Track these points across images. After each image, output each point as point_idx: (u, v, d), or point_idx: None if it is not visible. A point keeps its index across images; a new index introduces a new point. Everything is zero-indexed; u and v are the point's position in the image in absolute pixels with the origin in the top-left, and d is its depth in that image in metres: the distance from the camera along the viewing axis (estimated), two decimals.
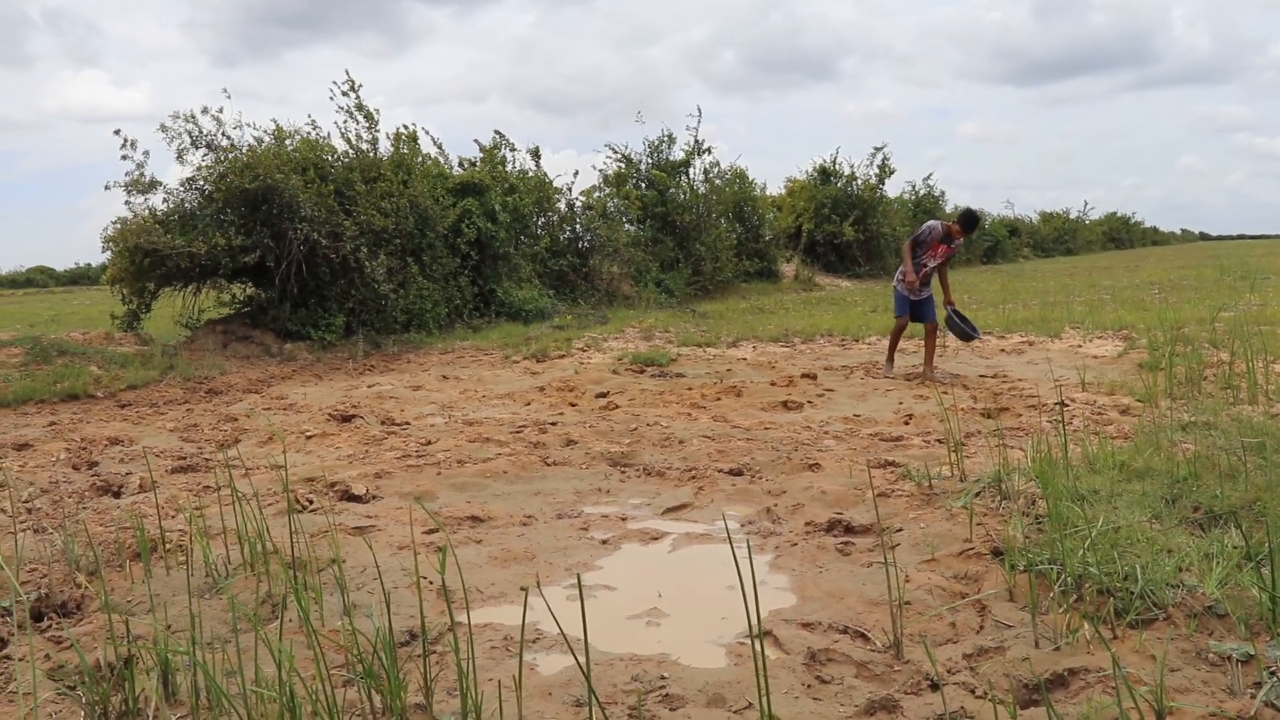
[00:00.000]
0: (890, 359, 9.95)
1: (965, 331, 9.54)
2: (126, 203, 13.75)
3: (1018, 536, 3.93)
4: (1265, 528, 3.51)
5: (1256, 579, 3.26)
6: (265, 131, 14.92)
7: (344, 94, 16.02)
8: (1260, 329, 10.48)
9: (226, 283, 14.73)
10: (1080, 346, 11.47)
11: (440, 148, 18.91)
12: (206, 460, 6.69)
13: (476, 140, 20.07)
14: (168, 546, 4.35)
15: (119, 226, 13.39)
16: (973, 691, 2.87)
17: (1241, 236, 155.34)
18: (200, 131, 13.97)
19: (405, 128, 17.10)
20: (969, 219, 9.29)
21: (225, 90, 14.84)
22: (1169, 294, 18.53)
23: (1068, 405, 7.49)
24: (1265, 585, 3.13)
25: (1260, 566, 3.34)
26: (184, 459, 6.71)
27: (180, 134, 13.88)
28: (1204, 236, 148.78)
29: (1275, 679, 2.69)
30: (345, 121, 16.04)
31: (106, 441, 7.41)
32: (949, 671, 3.01)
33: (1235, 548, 3.60)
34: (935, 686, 2.90)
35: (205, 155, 13.98)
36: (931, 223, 9.45)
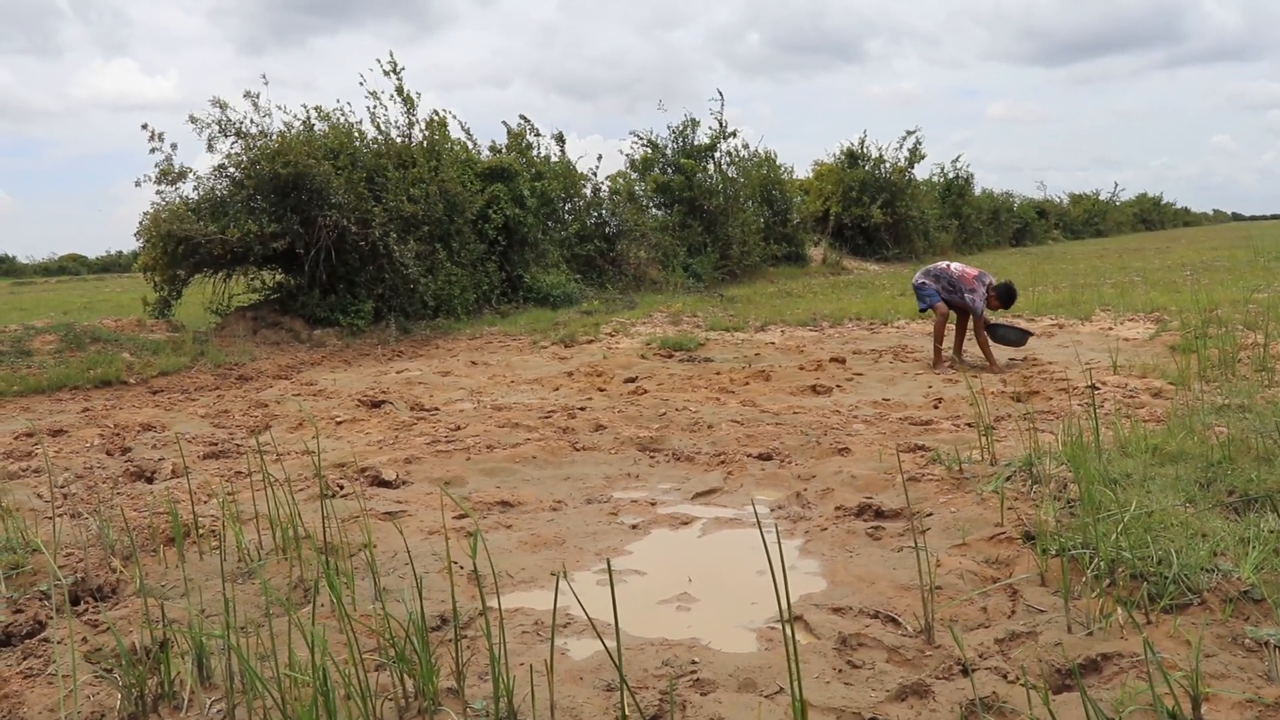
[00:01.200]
0: (940, 352, 9.33)
1: (1014, 338, 9.16)
2: (158, 192, 13.89)
3: (1049, 521, 3.90)
4: None
5: None
6: (295, 117, 15.02)
7: (386, 74, 16.15)
8: None
9: (256, 269, 14.83)
10: (1111, 329, 11.37)
11: (469, 133, 18.97)
12: (238, 446, 6.75)
13: (505, 122, 20.11)
14: (201, 531, 4.39)
15: (152, 215, 13.53)
16: (1005, 676, 2.86)
17: (1276, 217, 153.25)
18: (229, 120, 14.05)
19: (437, 113, 17.14)
20: (1008, 295, 9.13)
21: (264, 76, 14.96)
22: (1201, 275, 18.31)
23: (1099, 388, 7.43)
24: None
25: None
26: (215, 445, 6.76)
27: (210, 123, 13.98)
28: (1237, 217, 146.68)
29: None
30: (376, 107, 16.12)
31: (139, 427, 7.48)
32: (980, 656, 3.00)
33: (1272, 532, 3.56)
34: (966, 671, 2.89)
35: (235, 143, 14.08)
36: (977, 301, 9.07)
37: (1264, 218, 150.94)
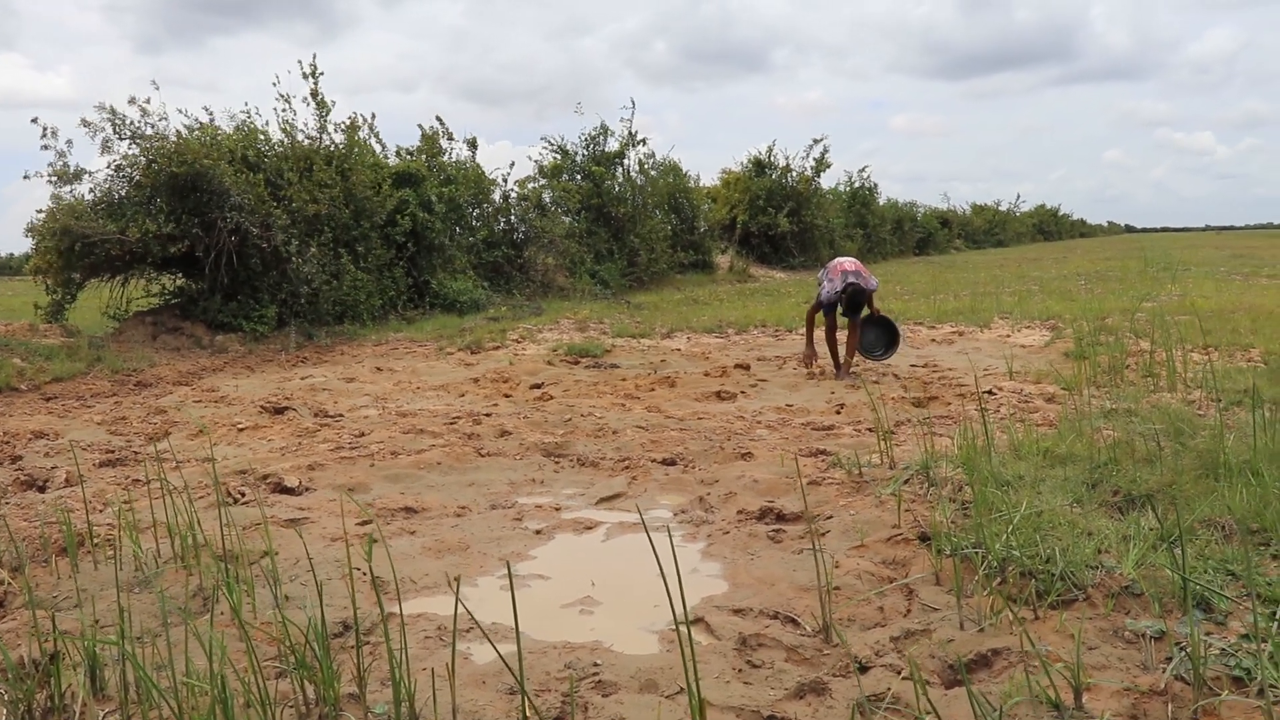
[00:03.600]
0: (835, 357, 9.36)
1: (875, 343, 9.41)
2: (54, 195, 13.44)
3: (944, 522, 4.01)
4: (1178, 510, 3.62)
5: (1170, 559, 3.37)
6: (195, 120, 14.70)
7: (305, 76, 15.95)
8: (1179, 319, 10.77)
9: (156, 273, 14.47)
10: (1009, 336, 11.70)
11: (378, 137, 18.78)
12: (135, 453, 6.59)
13: (420, 125, 19.92)
14: (95, 541, 4.28)
15: (47, 211, 13.10)
16: (899, 673, 2.94)
17: (1165, 229, 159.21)
18: (124, 123, 13.65)
19: (351, 117, 16.91)
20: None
21: (154, 82, 14.66)
22: (1095, 285, 18.93)
23: (995, 394, 7.64)
24: (1177, 565, 3.24)
25: (1173, 547, 3.45)
26: (112, 452, 6.60)
27: (104, 126, 13.57)
28: (1129, 229, 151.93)
29: (1184, 654, 2.79)
30: (285, 110, 15.84)
31: (30, 435, 7.26)
32: (877, 654, 3.08)
33: (1151, 529, 3.71)
34: (863, 669, 2.96)
35: (130, 146, 13.70)
36: (824, 292, 9.14)
37: (1154, 230, 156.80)
